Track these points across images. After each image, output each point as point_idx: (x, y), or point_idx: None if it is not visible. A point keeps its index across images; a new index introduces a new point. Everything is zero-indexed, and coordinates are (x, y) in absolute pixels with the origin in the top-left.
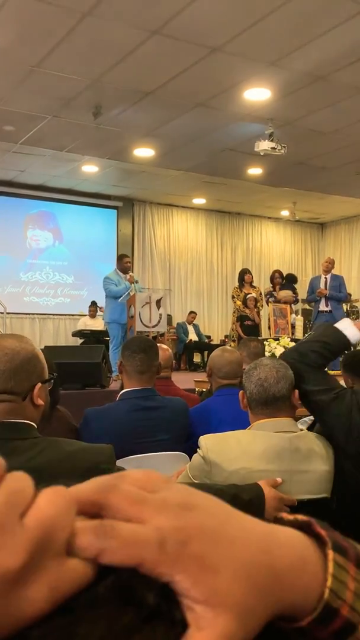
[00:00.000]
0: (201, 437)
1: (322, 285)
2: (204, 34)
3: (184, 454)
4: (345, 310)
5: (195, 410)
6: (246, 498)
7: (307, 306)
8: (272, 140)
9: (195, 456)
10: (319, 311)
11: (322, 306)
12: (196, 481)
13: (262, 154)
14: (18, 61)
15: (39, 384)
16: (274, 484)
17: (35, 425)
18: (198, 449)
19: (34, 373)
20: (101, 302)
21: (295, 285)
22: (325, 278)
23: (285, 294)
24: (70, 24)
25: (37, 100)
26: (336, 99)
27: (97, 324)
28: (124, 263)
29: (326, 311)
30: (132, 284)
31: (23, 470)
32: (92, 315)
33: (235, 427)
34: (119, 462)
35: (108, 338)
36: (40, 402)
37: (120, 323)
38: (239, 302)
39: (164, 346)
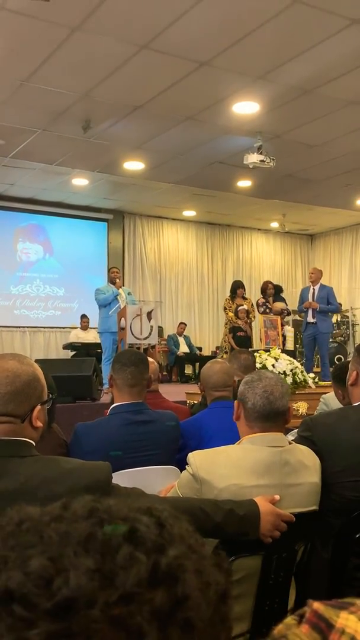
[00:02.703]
0: (190, 454)
1: (310, 297)
2: (193, 48)
3: (175, 467)
4: (335, 320)
5: (187, 423)
6: (241, 513)
7: (297, 317)
8: (261, 153)
9: (184, 473)
10: (307, 323)
11: (310, 318)
12: None
13: (251, 166)
14: (7, 75)
15: (38, 406)
16: (271, 500)
17: (33, 444)
18: (187, 466)
19: (34, 396)
20: (92, 314)
21: (283, 296)
22: (313, 289)
23: (281, 305)
24: (60, 39)
25: (26, 114)
26: (324, 112)
27: (89, 337)
28: (110, 273)
29: (312, 323)
30: (120, 289)
31: (22, 488)
32: (84, 327)
33: (227, 440)
34: None
35: (100, 350)
36: (39, 424)
37: (111, 331)
38: (230, 314)
39: (150, 359)
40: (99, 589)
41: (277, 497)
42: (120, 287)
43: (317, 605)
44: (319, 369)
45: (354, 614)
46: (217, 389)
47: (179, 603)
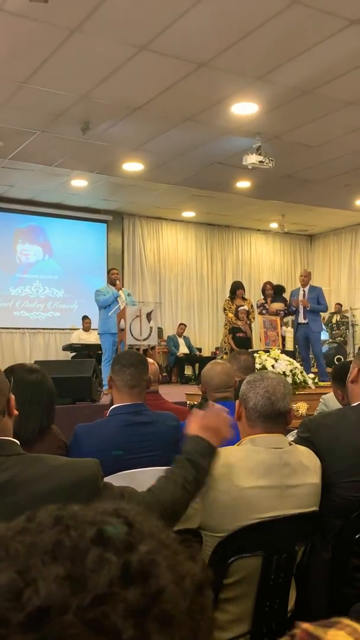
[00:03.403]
0: None
1: (300, 298)
2: (191, 49)
3: None
4: (335, 321)
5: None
6: (197, 456)
7: None
8: (260, 154)
9: None
10: (298, 323)
11: (301, 318)
12: None
13: (250, 167)
14: (6, 77)
15: (12, 395)
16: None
17: (17, 442)
18: None
19: (5, 387)
20: (92, 315)
21: (284, 296)
22: (303, 291)
23: (277, 306)
24: (59, 40)
25: (25, 115)
26: (322, 112)
27: (92, 338)
28: (111, 275)
29: (304, 323)
30: (120, 291)
31: (7, 487)
32: (87, 328)
33: (228, 441)
34: (109, 478)
35: (100, 351)
36: (15, 411)
37: (111, 333)
38: (230, 315)
39: (150, 360)
40: (71, 595)
41: (216, 405)
42: (120, 288)
43: (306, 625)
44: (317, 369)
45: (342, 630)
46: (219, 390)
47: (154, 597)
